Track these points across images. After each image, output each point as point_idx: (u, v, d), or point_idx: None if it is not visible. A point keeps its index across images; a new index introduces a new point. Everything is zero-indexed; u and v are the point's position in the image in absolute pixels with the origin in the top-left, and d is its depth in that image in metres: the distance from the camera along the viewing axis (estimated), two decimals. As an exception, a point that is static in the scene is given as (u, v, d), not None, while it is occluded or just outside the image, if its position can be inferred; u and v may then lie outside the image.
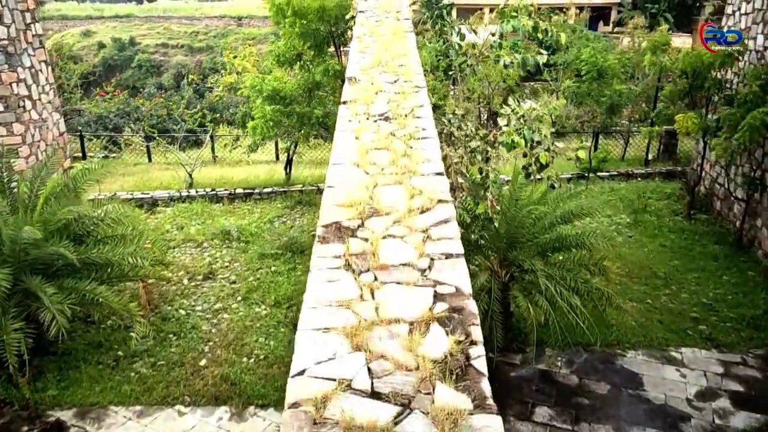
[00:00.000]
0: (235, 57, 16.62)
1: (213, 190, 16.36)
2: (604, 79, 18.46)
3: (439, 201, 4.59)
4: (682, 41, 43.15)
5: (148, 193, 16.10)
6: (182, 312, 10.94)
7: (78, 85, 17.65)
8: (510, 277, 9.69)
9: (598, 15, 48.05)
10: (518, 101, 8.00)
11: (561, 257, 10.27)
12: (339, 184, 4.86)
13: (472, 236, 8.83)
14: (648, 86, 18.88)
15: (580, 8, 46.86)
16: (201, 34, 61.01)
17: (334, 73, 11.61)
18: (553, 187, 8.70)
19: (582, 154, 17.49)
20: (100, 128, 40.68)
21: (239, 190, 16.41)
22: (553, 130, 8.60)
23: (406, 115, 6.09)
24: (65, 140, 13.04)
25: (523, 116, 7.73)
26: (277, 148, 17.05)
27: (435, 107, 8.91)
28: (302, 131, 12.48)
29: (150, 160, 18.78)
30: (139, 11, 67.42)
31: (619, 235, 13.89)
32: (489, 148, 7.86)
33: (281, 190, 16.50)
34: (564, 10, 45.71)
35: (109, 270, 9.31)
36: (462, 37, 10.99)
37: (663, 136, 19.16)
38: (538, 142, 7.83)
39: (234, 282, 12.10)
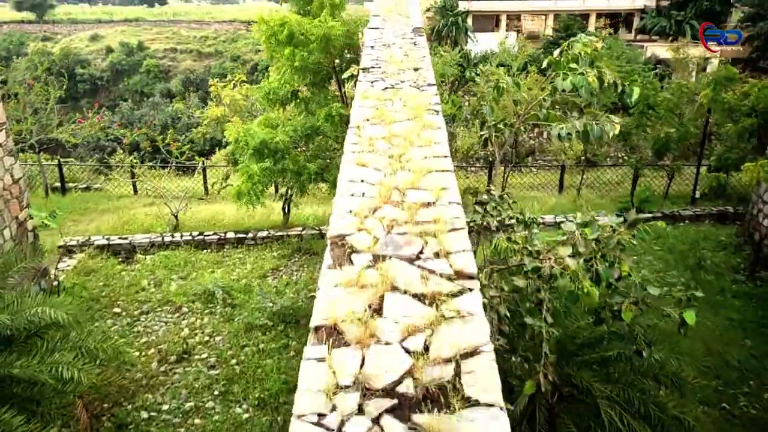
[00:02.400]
0: (224, 86, 14.26)
1: (200, 234, 14.11)
2: (654, 113, 15.71)
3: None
4: (707, 51, 40.40)
5: (126, 238, 13.88)
6: (144, 415, 8.67)
7: (55, 109, 15.44)
8: (559, 396, 7.34)
9: (620, 21, 45.29)
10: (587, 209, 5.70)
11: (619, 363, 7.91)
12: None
13: (513, 358, 6.55)
14: (697, 118, 16.26)
15: (602, 15, 44.20)
16: (210, 38, 58.88)
17: (339, 117, 9.30)
18: (640, 354, 6.40)
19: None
20: (101, 138, 38.76)
21: (230, 234, 14.15)
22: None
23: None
24: (21, 188, 10.82)
25: (597, 240, 5.42)
26: (276, 186, 14.81)
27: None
28: (296, 185, 10.19)
29: (135, 191, 16.57)
30: (148, 15, 65.49)
31: (675, 306, 11.41)
32: (542, 288, 5.43)
33: (278, 234, 14.22)
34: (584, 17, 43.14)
35: (32, 390, 7.03)
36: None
37: (711, 170, 16.66)
38: (616, 281, 5.53)
39: (213, 366, 9.83)
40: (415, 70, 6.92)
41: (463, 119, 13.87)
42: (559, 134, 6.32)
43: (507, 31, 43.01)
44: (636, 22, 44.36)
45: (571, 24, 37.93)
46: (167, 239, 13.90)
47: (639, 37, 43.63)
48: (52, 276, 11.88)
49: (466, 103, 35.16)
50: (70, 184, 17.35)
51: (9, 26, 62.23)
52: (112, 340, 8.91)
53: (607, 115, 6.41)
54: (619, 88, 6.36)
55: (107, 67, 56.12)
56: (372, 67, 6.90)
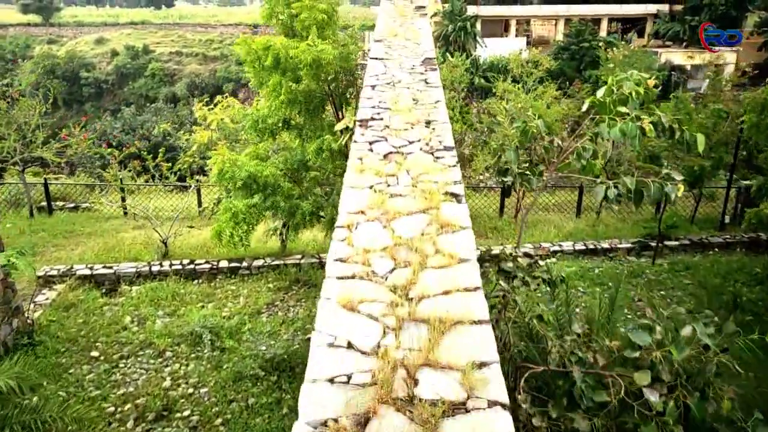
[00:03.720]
0: (210, 108, 13.02)
1: (191, 262, 12.94)
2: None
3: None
4: (724, 57, 38.95)
5: (111, 267, 12.73)
6: (112, 493, 7.50)
7: (40, 126, 14.36)
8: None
9: (632, 27, 43.86)
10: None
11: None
12: None
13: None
14: (727, 141, 14.84)
15: (614, 20, 42.80)
16: (216, 42, 57.84)
17: (330, 153, 7.99)
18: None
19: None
20: (103, 145, 37.70)
21: (223, 263, 12.97)
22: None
23: None
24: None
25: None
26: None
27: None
28: (290, 222, 9.00)
29: (126, 212, 15.44)
30: (154, 18, 64.55)
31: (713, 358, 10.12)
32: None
33: (275, 263, 13.03)
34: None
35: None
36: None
37: (741, 193, 15.36)
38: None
39: (195, 428, 8.65)
40: (428, 124, 5.54)
41: (478, 144, 12.72)
42: (607, 194, 5.10)
43: (516, 36, 41.69)
44: (649, 27, 42.91)
45: (582, 30, 36.57)
46: (155, 268, 12.74)
47: (652, 42, 42.21)
48: (27, 313, 10.79)
49: (475, 117, 33.89)
50: (59, 203, 16.24)
51: (15, 29, 61.50)
52: (74, 408, 7.72)
53: (668, 170, 5.16)
54: (677, 134, 5.13)
55: (112, 71, 55.27)
56: (372, 119, 5.52)
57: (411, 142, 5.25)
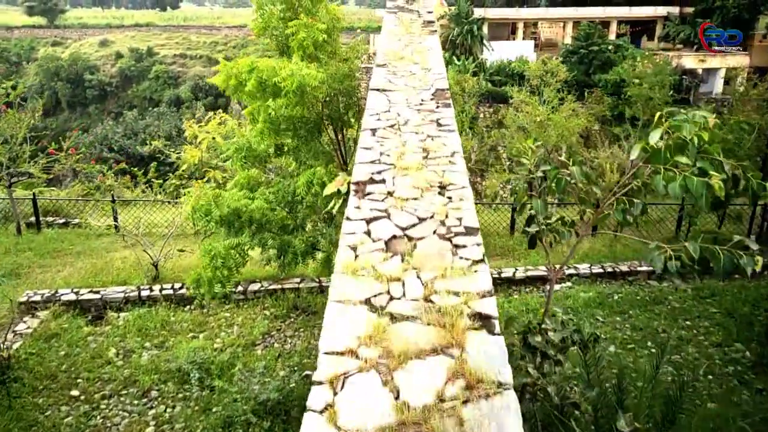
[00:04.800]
0: (203, 125, 11.98)
1: (183, 286, 12.03)
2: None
3: None
4: (736, 60, 37.76)
5: (98, 292, 11.85)
6: None
7: (27, 139, 13.49)
8: None
9: (642, 30, 42.67)
10: None
11: None
12: None
13: None
14: (751, 155, 13.82)
15: (623, 22, 41.61)
16: (220, 44, 56.96)
17: (321, 186, 6.94)
18: None
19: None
20: (104, 150, 36.95)
21: (217, 288, 12.02)
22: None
23: None
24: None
25: None
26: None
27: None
28: (283, 260, 8.06)
29: (117, 228, 14.53)
30: (159, 19, 63.77)
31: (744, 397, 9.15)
32: None
33: (272, 287, 12.13)
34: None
35: None
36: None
37: (768, 211, 14.35)
38: None
39: (178, 484, 7.76)
40: (442, 190, 4.26)
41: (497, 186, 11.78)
42: (665, 267, 4.15)
43: (524, 39, 40.64)
44: (659, 30, 41.74)
45: (591, 32, 35.43)
46: (144, 293, 11.86)
47: (662, 45, 41.05)
48: (3, 345, 9.93)
49: (481, 120, 32.88)
50: (49, 218, 15.36)
51: (20, 31, 60.87)
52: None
53: (741, 237, 4.20)
54: (741, 184, 4.18)
55: (116, 73, 54.54)
56: (371, 181, 4.30)
57: (421, 220, 4.02)
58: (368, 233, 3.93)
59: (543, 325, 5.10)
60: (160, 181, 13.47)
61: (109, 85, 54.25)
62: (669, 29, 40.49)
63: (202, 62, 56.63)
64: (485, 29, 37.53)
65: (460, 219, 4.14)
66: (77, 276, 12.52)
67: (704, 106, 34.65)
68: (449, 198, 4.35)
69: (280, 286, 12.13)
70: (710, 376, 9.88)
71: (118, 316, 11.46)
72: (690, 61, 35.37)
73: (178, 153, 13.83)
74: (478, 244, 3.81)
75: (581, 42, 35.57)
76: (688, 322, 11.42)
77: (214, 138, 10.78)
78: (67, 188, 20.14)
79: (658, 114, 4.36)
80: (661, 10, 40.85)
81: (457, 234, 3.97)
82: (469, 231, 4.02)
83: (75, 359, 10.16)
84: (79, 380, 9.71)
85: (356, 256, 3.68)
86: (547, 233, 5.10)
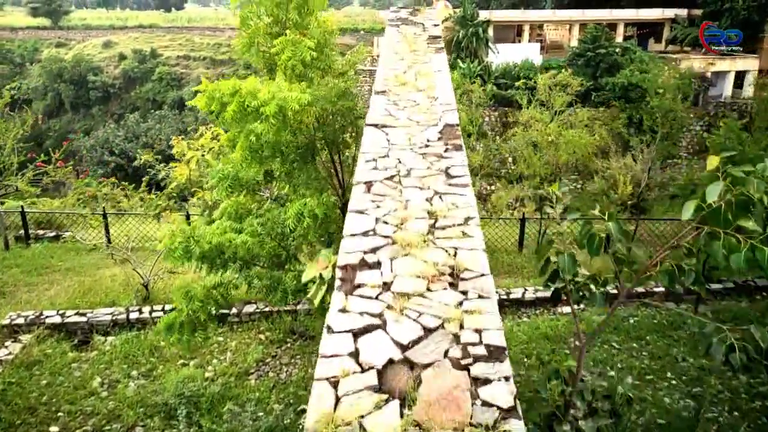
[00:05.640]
0: (194, 140, 11.12)
1: (174, 309, 11.29)
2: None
3: None
4: (745, 63, 36.80)
5: (85, 314, 11.16)
6: None
7: (15, 150, 12.80)
8: None
9: (649, 32, 41.75)
10: None
11: None
12: None
13: None
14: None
15: (630, 24, 40.73)
16: (224, 46, 56.16)
17: (312, 218, 6.14)
18: None
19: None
20: (105, 153, 36.30)
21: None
22: None
23: None
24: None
25: None
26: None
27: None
28: (272, 299, 7.33)
29: (109, 241, 13.81)
30: (163, 20, 63.09)
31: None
32: None
33: (268, 309, 11.41)
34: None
35: None
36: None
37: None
38: None
39: None
40: (454, 278, 3.27)
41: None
42: (728, 359, 3.42)
43: (530, 41, 39.79)
44: (666, 33, 40.81)
45: (598, 35, 34.57)
46: (133, 315, 11.15)
47: (670, 48, 40.15)
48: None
49: (487, 124, 32.06)
50: (40, 231, 14.66)
51: (24, 32, 60.32)
52: None
53: None
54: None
55: (119, 75, 53.88)
56: (362, 265, 3.33)
57: (428, 331, 2.95)
58: (355, 355, 2.87)
59: (571, 409, 4.33)
60: (152, 197, 12.76)
61: (113, 86, 53.64)
62: (676, 32, 39.57)
63: (206, 64, 56.00)
64: (490, 32, 36.68)
65: (479, 332, 3.06)
66: (64, 296, 11.83)
67: (728, 113, 33.76)
68: (464, 294, 3.25)
69: (276, 309, 11.40)
70: (735, 413, 9.12)
71: (105, 341, 10.77)
72: (698, 64, 34.44)
73: (167, 169, 13.11)
74: (507, 378, 2.81)
75: (588, 45, 34.72)
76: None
77: (203, 155, 9.99)
78: (66, 195, 19.49)
79: (713, 159, 3.62)
80: (668, 13, 39.94)
81: (476, 359, 2.90)
82: (493, 353, 2.94)
83: (57, 390, 9.46)
84: (60, 413, 9.01)
85: (337, 401, 2.65)
86: (575, 293, 4.37)
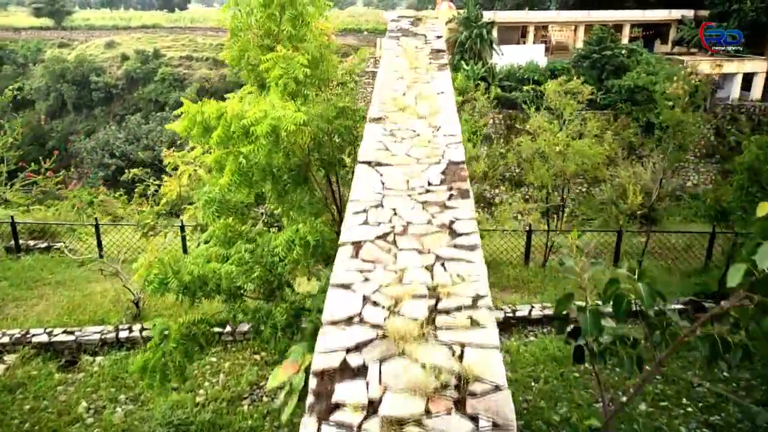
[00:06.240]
0: (182, 155, 10.40)
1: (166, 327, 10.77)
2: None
3: None
4: (753, 65, 36.06)
5: (73, 332, 10.64)
6: None
7: (3, 159, 12.28)
8: None
9: (655, 33, 41.03)
10: None
11: None
12: None
13: None
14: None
15: (636, 25, 40.02)
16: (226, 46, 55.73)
17: (303, 246, 5.83)
18: None
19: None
20: (106, 156, 35.83)
21: (203, 328, 10.78)
22: None
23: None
24: None
25: None
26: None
27: None
28: (260, 337, 6.82)
29: (101, 253, 13.29)
30: (166, 21, 62.61)
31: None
32: None
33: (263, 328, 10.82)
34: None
35: None
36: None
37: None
38: None
39: None
40: (461, 393, 2.46)
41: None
42: None
43: (534, 43, 39.13)
44: (672, 34, 40.09)
45: (604, 36, 33.90)
46: (123, 334, 10.63)
47: (676, 49, 39.44)
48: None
49: (491, 126, 31.43)
50: (31, 242, 14.14)
51: (27, 32, 59.95)
52: None
53: None
54: None
55: (122, 75, 53.41)
56: (341, 375, 2.59)
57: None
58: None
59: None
60: (144, 209, 12.21)
61: (115, 87, 53.19)
62: (683, 33, 38.86)
63: (208, 64, 55.53)
64: (494, 33, 36.04)
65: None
66: (53, 312, 11.32)
67: (736, 116, 33.05)
68: (474, 420, 2.38)
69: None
70: (757, 444, 8.56)
71: (94, 361, 10.26)
72: (705, 65, 33.75)
73: (157, 184, 12.54)
74: None
75: (593, 46, 34.08)
76: (725, 374, 10.07)
77: (196, 170, 9.41)
78: (62, 202, 18.97)
79: (764, 205, 3.07)
80: (675, 14, 39.21)
81: None
82: None
83: (40, 415, 8.95)
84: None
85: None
86: (599, 354, 3.82)
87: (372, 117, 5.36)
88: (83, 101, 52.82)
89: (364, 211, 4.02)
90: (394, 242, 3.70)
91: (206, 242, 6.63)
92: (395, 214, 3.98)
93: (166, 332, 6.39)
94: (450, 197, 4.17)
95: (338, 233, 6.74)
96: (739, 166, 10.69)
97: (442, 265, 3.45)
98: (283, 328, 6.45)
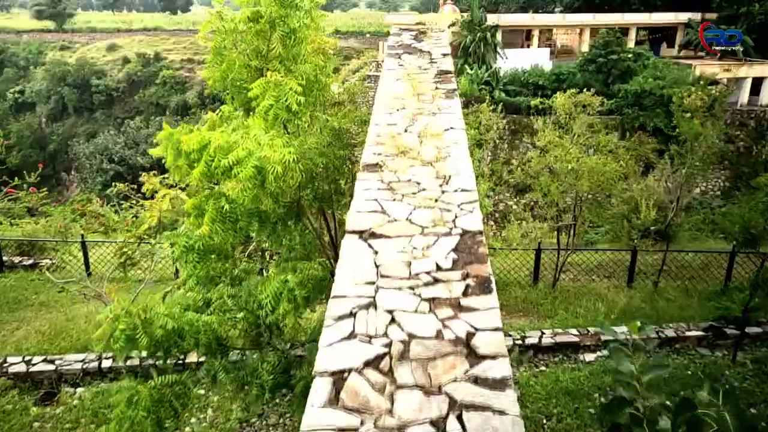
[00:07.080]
0: (162, 181, 9.57)
1: (153, 354, 10.05)
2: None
3: None
4: (763, 69, 35.16)
5: (53, 361, 9.93)
6: None
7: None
8: None
9: (662, 37, 40.19)
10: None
11: None
12: None
13: None
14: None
15: (642, 29, 39.22)
16: (228, 49, 55.12)
17: (291, 300, 4.92)
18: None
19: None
20: (104, 161, 35.14)
21: (192, 357, 10.05)
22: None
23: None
24: None
25: None
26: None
27: None
28: (245, 398, 6.11)
29: (89, 272, 12.58)
30: (167, 23, 62.02)
31: None
32: None
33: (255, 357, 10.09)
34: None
35: None
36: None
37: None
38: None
39: None
40: None
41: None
42: None
43: (539, 46, 38.35)
44: (679, 37, 39.26)
45: (610, 40, 33.09)
46: (107, 363, 9.91)
47: (684, 53, 38.61)
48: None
49: (497, 134, 30.63)
50: (16, 259, 13.43)
51: (29, 35, 59.43)
52: None
53: None
54: None
55: (123, 78, 52.86)
56: None
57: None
58: None
59: None
60: (129, 228, 11.46)
61: (116, 90, 52.62)
62: (690, 36, 38.04)
63: (210, 67, 54.87)
64: (499, 36, 35.27)
65: None
66: (33, 338, 10.60)
67: (746, 121, 32.21)
68: None
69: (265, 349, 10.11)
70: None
71: (74, 393, 9.54)
72: (713, 69, 32.91)
73: (136, 209, 11.82)
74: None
75: (599, 50, 33.27)
76: (753, 409, 9.29)
77: (178, 193, 8.74)
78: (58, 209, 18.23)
79: None
80: (681, 17, 38.39)
81: None
82: None
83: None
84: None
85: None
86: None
87: (366, 164, 4.44)
88: (84, 104, 52.26)
89: (351, 314, 2.96)
90: (390, 372, 2.62)
91: (184, 284, 5.92)
92: (392, 320, 2.91)
93: (135, 398, 5.61)
94: (466, 290, 3.12)
95: (333, 273, 6.02)
96: (765, 186, 9.90)
97: (458, 418, 2.33)
98: (272, 389, 5.70)
